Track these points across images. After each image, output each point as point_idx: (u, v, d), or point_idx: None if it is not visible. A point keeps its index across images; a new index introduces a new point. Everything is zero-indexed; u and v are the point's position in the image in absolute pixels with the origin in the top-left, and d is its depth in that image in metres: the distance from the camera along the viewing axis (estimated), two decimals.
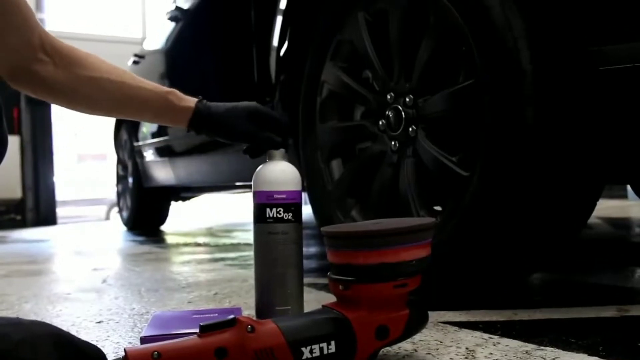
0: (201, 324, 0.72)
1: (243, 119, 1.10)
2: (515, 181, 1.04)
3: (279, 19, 1.70)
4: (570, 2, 1.00)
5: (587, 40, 0.97)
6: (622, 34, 0.94)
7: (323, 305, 0.82)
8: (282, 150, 1.06)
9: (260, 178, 1.04)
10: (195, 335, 0.72)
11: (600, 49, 0.96)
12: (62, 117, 6.99)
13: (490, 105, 1.06)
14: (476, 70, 1.09)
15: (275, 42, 1.72)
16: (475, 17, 1.08)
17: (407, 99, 1.25)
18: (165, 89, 1.12)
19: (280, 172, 1.03)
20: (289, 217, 1.02)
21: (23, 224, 6.11)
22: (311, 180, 1.55)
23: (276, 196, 1.02)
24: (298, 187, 1.04)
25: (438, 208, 1.28)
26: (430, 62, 1.21)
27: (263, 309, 1.03)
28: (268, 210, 1.02)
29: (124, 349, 0.70)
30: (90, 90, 1.06)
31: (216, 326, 0.72)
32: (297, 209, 1.03)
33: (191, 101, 1.12)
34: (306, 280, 1.65)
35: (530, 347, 0.90)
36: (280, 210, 1.01)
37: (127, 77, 1.09)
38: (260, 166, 1.05)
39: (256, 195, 1.03)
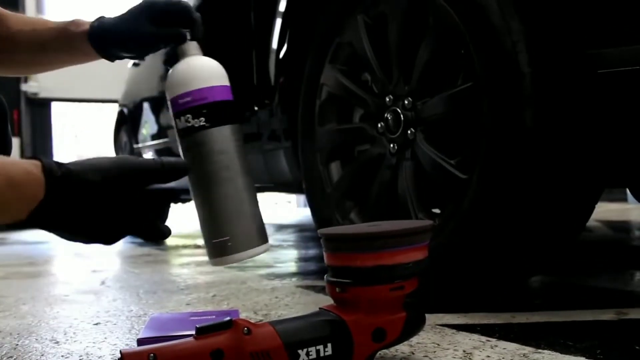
0: (197, 325, 0.72)
1: (141, 21, 0.91)
2: (514, 184, 1.04)
3: (279, 21, 1.71)
4: (569, 4, 1.00)
5: (586, 43, 0.97)
6: (620, 36, 0.94)
7: (320, 308, 0.82)
8: (192, 43, 0.86)
9: (166, 84, 0.83)
10: (191, 337, 0.72)
11: (599, 52, 0.96)
12: (62, 119, 6.98)
13: (489, 107, 1.06)
14: (475, 73, 1.09)
15: (274, 44, 1.72)
16: (473, 20, 1.08)
17: (406, 102, 1.25)
18: (69, 20, 0.99)
19: (183, 70, 0.83)
20: (202, 123, 0.79)
21: None
22: (310, 182, 1.55)
23: (180, 101, 0.81)
24: (211, 82, 0.82)
25: (437, 211, 1.28)
26: (429, 65, 1.21)
27: (206, 246, 0.84)
28: (177, 121, 0.81)
29: (120, 351, 0.70)
30: (9, 47, 1.00)
31: (212, 328, 0.72)
32: (212, 110, 0.80)
33: (89, 23, 0.97)
34: (304, 282, 1.66)
35: (527, 350, 0.90)
36: (188, 118, 0.80)
37: (38, 24, 1.01)
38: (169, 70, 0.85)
39: (169, 106, 0.84)
